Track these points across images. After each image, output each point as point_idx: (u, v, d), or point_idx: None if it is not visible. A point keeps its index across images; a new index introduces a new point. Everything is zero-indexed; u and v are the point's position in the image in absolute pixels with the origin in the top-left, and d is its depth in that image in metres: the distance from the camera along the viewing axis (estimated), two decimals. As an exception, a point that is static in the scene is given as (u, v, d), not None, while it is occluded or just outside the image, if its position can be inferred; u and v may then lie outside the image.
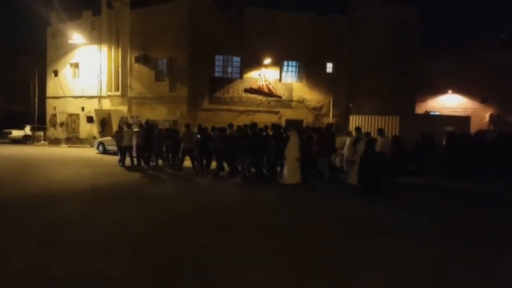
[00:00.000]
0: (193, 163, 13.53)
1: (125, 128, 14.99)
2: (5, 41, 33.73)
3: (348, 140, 12.94)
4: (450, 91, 29.31)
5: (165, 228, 6.66)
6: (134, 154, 14.87)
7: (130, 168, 14.15)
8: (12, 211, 7.53)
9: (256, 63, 21.25)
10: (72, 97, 26.57)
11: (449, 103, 29.22)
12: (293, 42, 21.44)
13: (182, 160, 14.03)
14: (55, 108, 27.75)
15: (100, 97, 24.92)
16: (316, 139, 12.13)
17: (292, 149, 11.05)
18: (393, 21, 23.39)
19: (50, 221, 6.81)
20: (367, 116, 20.67)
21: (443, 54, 28.11)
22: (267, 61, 21.27)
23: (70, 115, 26.82)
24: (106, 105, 24.58)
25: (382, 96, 22.57)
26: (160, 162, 15.03)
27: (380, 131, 12.97)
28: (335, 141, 12.80)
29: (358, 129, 12.95)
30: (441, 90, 29.36)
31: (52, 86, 27.85)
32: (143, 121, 17.97)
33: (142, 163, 14.66)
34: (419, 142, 13.00)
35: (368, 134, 14.36)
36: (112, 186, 10.47)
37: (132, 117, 21.33)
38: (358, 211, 8.44)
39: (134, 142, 14.64)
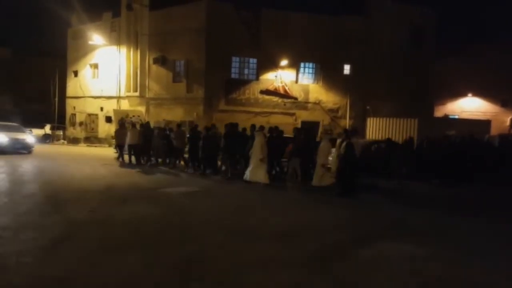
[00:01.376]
0: (185, 162, 14.13)
1: (130, 127, 15.71)
2: (27, 42, 34.61)
3: (337, 141, 12.86)
4: (469, 94, 28.80)
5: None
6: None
7: (129, 166, 14.72)
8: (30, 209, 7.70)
9: (272, 65, 21.28)
10: (91, 97, 27.06)
11: (469, 106, 28.72)
12: (309, 44, 21.41)
13: (176, 159, 14.49)
14: (74, 108, 28.30)
15: (118, 98, 25.31)
16: (292, 140, 12.29)
17: (256, 149, 11.12)
18: (409, 22, 23.17)
19: (66, 219, 6.93)
20: (384, 118, 20.53)
21: (461, 57, 27.67)
22: (284, 62, 21.29)
23: (89, 115, 27.30)
24: (125, 105, 24.94)
25: (399, 99, 22.36)
26: (160, 161, 15.34)
27: (353, 133, 12.73)
28: (312, 143, 12.44)
29: (345, 131, 12.83)
30: (461, 93, 28.88)
31: (72, 86, 28.42)
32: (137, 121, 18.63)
33: (142, 161, 15.06)
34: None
35: (389, 139, 14.25)
36: (129, 186, 10.62)
37: (133, 116, 21.60)
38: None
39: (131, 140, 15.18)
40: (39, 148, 19.49)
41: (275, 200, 9.66)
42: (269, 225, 7.01)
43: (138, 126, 16.01)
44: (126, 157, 15.56)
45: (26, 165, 14.22)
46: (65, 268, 4.62)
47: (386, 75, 22.59)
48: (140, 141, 14.88)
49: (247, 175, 11.35)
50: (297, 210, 8.62)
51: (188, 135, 14.06)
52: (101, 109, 26.43)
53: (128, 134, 15.32)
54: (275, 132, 12.56)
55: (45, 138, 28.05)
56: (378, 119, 21.01)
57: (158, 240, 5.85)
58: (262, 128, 12.50)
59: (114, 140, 21.38)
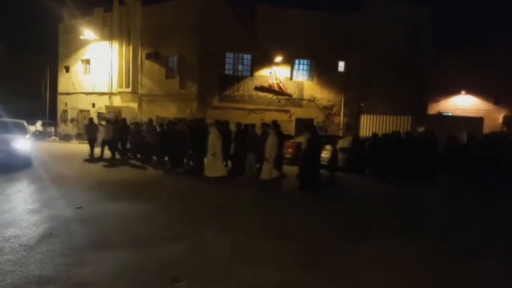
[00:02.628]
0: (157, 157, 14.41)
1: (104, 123, 16.42)
2: (17, 37, 34.10)
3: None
4: (463, 92, 28.91)
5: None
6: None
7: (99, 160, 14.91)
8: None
9: (267, 61, 21.12)
10: (83, 93, 26.69)
11: (462, 104, 28.83)
12: (305, 40, 21.26)
13: (147, 154, 14.78)
14: (66, 104, 27.91)
15: (110, 94, 25.01)
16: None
17: (209, 144, 11.47)
18: (406, 21, 23.08)
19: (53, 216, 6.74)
20: (378, 116, 20.53)
21: (456, 55, 27.75)
22: (278, 59, 21.13)
23: (81, 111, 26.95)
24: (117, 101, 24.65)
25: (394, 96, 22.32)
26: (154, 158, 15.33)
27: (311, 129, 12.81)
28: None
29: (313, 126, 12.95)
30: (454, 91, 28.98)
31: (64, 82, 28.01)
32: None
33: (118, 156, 15.32)
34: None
35: (375, 134, 14.25)
36: (121, 180, 10.46)
37: (110, 112, 21.47)
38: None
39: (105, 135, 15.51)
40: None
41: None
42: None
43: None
44: (97, 151, 15.67)
45: None
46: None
47: (381, 73, 22.52)
48: (114, 137, 15.10)
49: (206, 170, 11.63)
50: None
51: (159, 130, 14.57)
52: (93, 105, 26.09)
53: (103, 130, 15.77)
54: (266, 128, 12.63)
55: (36, 135, 27.67)
56: (372, 116, 20.97)
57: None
58: (245, 126, 12.91)
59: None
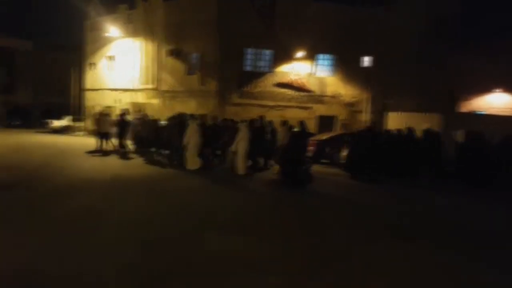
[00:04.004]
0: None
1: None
2: (46, 35, 35.11)
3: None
4: (497, 90, 27.28)
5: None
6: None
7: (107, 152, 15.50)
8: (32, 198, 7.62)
9: (288, 57, 20.61)
10: (108, 89, 27.08)
11: (497, 102, 27.20)
12: (327, 35, 20.59)
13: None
14: (91, 100, 28.41)
15: (134, 90, 25.21)
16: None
17: (186, 138, 11.95)
18: (432, 14, 21.91)
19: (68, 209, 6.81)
20: (405, 113, 19.70)
21: (488, 50, 26.15)
22: (300, 54, 20.58)
23: (106, 107, 27.32)
24: (140, 98, 24.83)
25: (422, 93, 21.31)
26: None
27: (284, 123, 12.88)
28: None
29: (301, 123, 12.45)
30: (488, 89, 27.38)
31: (90, 79, 28.54)
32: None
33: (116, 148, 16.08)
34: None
35: (399, 130, 13.53)
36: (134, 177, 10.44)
37: (138, 111, 21.74)
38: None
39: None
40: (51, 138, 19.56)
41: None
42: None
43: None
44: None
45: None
46: None
47: (408, 68, 21.53)
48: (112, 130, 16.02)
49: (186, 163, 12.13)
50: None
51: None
52: (118, 101, 26.40)
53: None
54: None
55: (64, 130, 28.43)
56: (398, 113, 20.11)
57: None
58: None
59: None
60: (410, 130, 13.02)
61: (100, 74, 27.61)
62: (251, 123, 12.61)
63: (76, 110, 29.01)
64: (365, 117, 22.17)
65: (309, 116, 20.90)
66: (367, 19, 21.18)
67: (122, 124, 15.90)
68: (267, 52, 20.71)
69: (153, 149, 15.19)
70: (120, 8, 25.79)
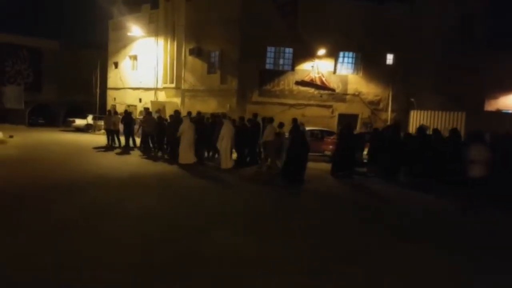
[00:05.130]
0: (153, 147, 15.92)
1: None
2: (70, 35, 35.79)
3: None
4: (526, 89, 26.24)
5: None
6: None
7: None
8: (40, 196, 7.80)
9: (309, 55, 20.37)
10: (131, 88, 27.48)
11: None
12: (349, 32, 20.21)
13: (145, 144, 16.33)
14: (115, 99, 28.91)
15: (156, 89, 25.49)
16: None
17: (180, 133, 12.44)
18: (458, 10, 21.26)
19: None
20: (429, 111, 19.30)
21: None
22: (321, 52, 20.31)
23: (129, 106, 27.73)
24: (162, 97, 25.08)
25: (447, 91, 20.69)
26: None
27: (263, 120, 13.54)
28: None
29: (294, 120, 12.61)
30: (515, 87, 26.39)
31: (113, 78, 29.03)
32: None
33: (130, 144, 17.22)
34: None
35: (436, 130, 13.13)
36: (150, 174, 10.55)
37: (157, 111, 21.96)
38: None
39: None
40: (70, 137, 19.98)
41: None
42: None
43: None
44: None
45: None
46: None
47: (432, 66, 20.97)
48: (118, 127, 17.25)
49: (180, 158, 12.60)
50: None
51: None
52: (140, 100, 26.77)
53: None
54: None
55: (87, 128, 28.92)
56: (422, 112, 19.72)
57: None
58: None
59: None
60: (437, 132, 12.68)
61: (123, 73, 28.05)
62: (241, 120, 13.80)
63: (101, 109, 29.48)
64: (387, 116, 21.77)
65: (330, 115, 20.68)
66: (391, 15, 20.74)
67: (128, 122, 16.84)
68: (288, 50, 20.54)
69: (155, 146, 15.77)
70: (143, 8, 26.13)
